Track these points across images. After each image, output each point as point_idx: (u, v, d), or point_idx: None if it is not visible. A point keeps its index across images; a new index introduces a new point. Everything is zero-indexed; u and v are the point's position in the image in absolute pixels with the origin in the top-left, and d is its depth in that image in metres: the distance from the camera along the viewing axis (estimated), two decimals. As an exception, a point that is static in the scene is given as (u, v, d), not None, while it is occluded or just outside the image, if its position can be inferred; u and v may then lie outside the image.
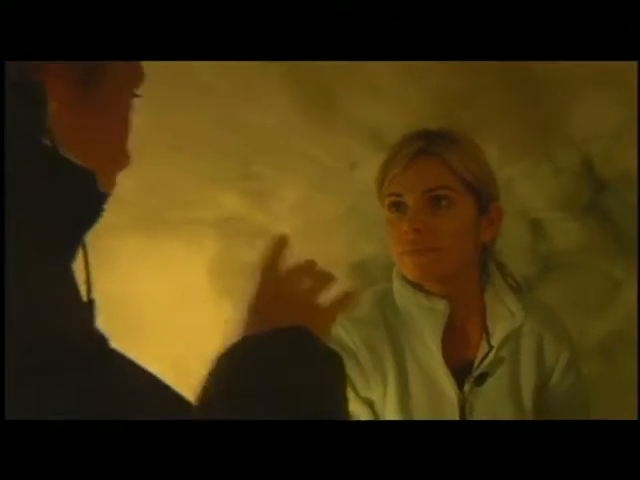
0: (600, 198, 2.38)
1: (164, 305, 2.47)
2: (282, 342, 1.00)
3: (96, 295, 2.44)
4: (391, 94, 1.87)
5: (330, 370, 1.01)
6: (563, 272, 2.70)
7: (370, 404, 1.84)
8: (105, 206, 0.87)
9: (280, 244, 1.21)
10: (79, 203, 0.84)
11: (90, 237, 2.29)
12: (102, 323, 2.33)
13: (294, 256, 1.23)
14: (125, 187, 2.16)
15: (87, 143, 0.90)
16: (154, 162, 2.11)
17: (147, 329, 2.46)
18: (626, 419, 2.42)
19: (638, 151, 1.73)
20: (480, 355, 1.82)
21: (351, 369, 1.80)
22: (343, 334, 1.82)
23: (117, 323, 2.47)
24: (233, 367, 0.96)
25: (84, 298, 0.89)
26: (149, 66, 1.79)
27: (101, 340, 0.86)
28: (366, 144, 2.00)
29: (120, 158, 1.01)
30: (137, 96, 1.02)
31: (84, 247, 0.87)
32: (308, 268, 1.23)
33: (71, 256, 0.86)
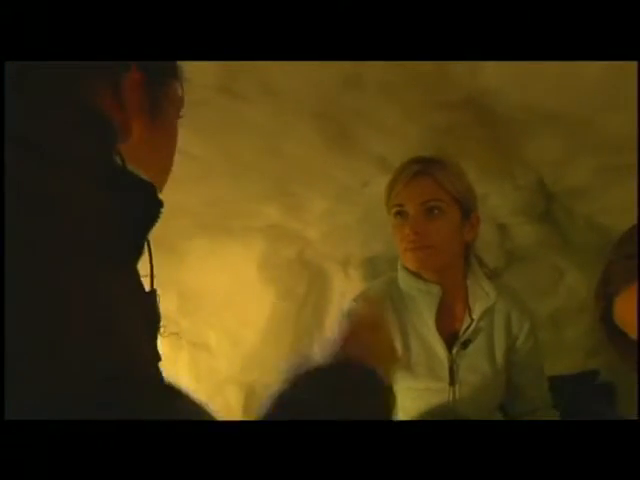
0: (550, 207, 2.35)
1: (223, 292, 2.46)
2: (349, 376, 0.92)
3: (171, 285, 2.38)
4: (394, 130, 1.83)
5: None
6: (522, 263, 2.70)
7: None
8: (162, 210, 0.78)
9: None
10: (143, 209, 0.76)
11: (168, 241, 2.21)
12: (175, 307, 2.28)
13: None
14: (193, 202, 2.14)
15: (149, 160, 0.84)
16: (214, 184, 2.08)
17: (209, 310, 2.46)
18: (567, 374, 2.41)
19: (638, 150, 1.67)
20: (464, 326, 1.84)
21: None
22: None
23: (187, 306, 2.45)
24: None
25: (147, 288, 0.81)
26: (216, 108, 1.75)
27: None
28: (375, 167, 1.98)
29: (169, 169, 0.96)
30: (180, 117, 0.97)
31: (148, 245, 0.79)
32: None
33: (137, 254, 0.76)
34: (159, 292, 0.84)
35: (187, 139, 1.82)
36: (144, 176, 0.78)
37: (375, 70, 1.63)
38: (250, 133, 1.86)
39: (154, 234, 2.18)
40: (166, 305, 2.40)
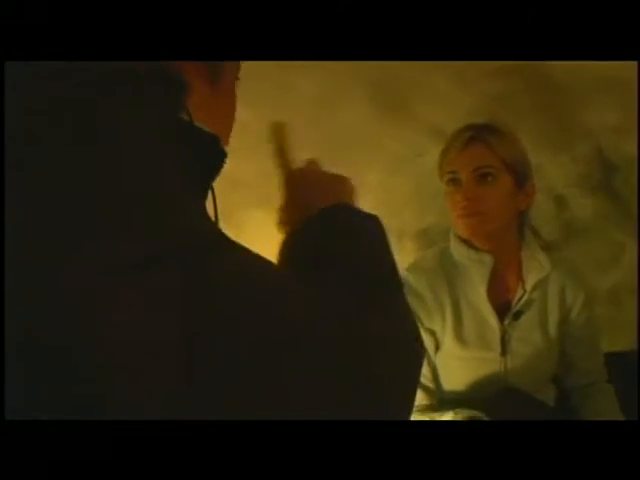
0: (607, 178, 2.28)
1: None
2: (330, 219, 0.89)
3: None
4: (446, 97, 1.80)
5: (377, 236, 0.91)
6: (582, 237, 2.62)
7: (432, 333, 1.83)
8: (226, 159, 0.82)
9: (277, 131, 1.10)
10: (209, 160, 0.80)
11: (226, 212, 2.24)
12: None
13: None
14: (249, 173, 2.15)
15: (210, 120, 0.84)
16: (268, 156, 2.07)
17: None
18: (626, 350, 2.35)
19: (638, 150, 1.63)
20: (517, 297, 1.81)
21: (418, 307, 1.83)
22: (412, 280, 1.83)
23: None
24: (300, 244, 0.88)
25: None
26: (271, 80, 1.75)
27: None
28: (429, 137, 1.94)
29: (231, 127, 0.96)
30: (237, 79, 0.95)
31: (212, 190, 0.82)
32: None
33: (203, 198, 0.79)
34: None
35: (242, 109, 1.83)
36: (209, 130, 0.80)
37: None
38: (302, 101, 1.85)
39: (212, 205, 2.20)
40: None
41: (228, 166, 2.21)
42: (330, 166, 2.14)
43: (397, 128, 1.96)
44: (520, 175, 1.75)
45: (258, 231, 2.50)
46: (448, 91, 1.82)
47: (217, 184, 2.26)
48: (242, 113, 1.86)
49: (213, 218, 0.82)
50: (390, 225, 2.39)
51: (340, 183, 1.04)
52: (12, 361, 0.53)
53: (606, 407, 1.89)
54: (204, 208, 0.75)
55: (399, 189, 2.32)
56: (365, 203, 2.36)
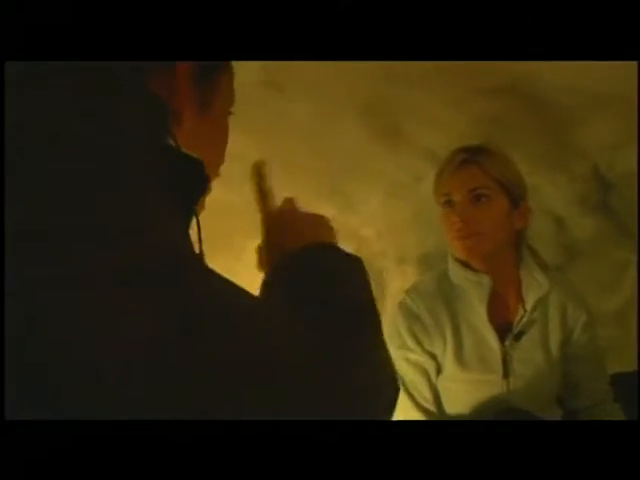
0: (604, 196, 2.28)
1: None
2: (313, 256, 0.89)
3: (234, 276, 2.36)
4: (440, 120, 1.81)
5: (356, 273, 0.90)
6: (584, 258, 2.61)
7: (434, 357, 1.83)
8: (210, 185, 0.82)
9: (257, 171, 1.11)
10: (191, 183, 0.78)
11: (225, 241, 2.23)
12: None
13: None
14: (245, 203, 2.15)
15: (199, 151, 0.85)
16: (273, 183, 2.09)
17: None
18: (634, 370, 2.33)
19: (638, 150, 1.63)
20: (517, 317, 1.80)
21: (418, 330, 1.83)
22: (411, 304, 1.83)
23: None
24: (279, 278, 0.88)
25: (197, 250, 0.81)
26: (266, 108, 1.77)
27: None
28: (426, 161, 1.96)
29: (221, 158, 0.97)
30: (231, 113, 0.96)
31: (196, 215, 0.81)
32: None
33: (187, 225, 0.79)
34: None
35: (236, 139, 1.86)
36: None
37: (414, 62, 1.61)
38: (297, 132, 1.87)
39: (212, 234, 2.20)
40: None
41: (226, 195, 2.24)
42: (330, 194, 2.17)
43: (393, 153, 1.97)
44: (514, 195, 1.76)
45: (256, 260, 2.52)
46: (442, 113, 1.83)
47: (215, 213, 2.27)
48: (237, 142, 1.89)
49: (197, 243, 0.84)
50: (391, 250, 2.39)
51: (319, 223, 1.04)
52: (12, 361, 0.53)
53: (613, 427, 1.88)
54: (186, 231, 0.76)
55: (399, 214, 2.33)
56: (366, 230, 2.39)
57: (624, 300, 2.61)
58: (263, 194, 1.11)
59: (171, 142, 0.77)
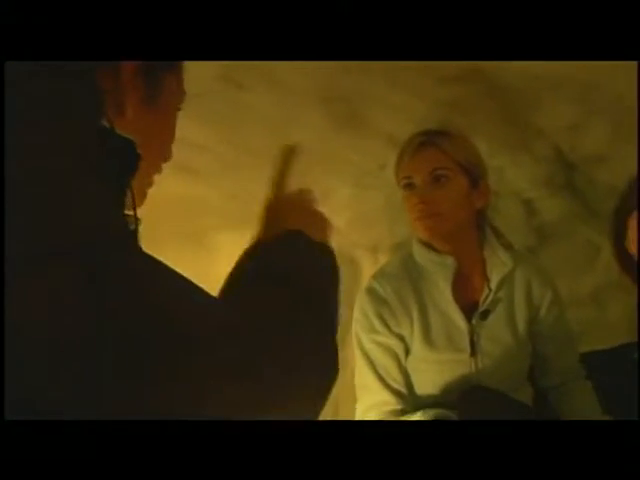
0: (571, 178, 2.30)
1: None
2: (283, 246, 0.93)
3: (202, 279, 2.39)
4: (402, 108, 1.83)
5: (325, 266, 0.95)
6: (556, 241, 2.62)
7: (401, 338, 1.84)
8: (140, 163, 0.83)
9: (289, 154, 1.15)
10: (126, 161, 0.81)
11: (196, 236, 2.24)
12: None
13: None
14: (216, 196, 2.18)
15: (143, 137, 0.87)
16: (233, 177, 2.11)
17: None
18: (611, 347, 2.35)
19: (638, 151, 1.66)
20: (483, 297, 1.82)
21: (385, 313, 1.84)
22: (377, 286, 1.85)
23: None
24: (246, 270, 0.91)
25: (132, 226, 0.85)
26: (229, 102, 1.78)
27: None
28: (389, 148, 1.97)
29: (166, 152, 1.00)
30: (179, 109, 1.00)
31: (131, 189, 0.83)
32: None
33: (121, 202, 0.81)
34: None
35: (201, 133, 1.88)
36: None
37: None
38: (259, 123, 1.88)
39: (185, 229, 2.21)
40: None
41: (198, 190, 2.24)
42: (299, 184, 2.18)
43: (357, 141, 1.99)
44: (474, 175, 1.78)
45: (230, 254, 2.53)
46: (402, 101, 1.85)
47: (188, 208, 2.28)
48: (201, 135, 1.92)
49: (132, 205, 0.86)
50: (363, 239, 2.40)
51: (313, 218, 1.08)
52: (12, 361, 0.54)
53: (584, 404, 1.90)
54: (119, 211, 0.78)
55: (368, 203, 2.34)
56: (337, 219, 2.40)
57: (598, 280, 2.62)
58: (278, 179, 1.13)
59: (105, 124, 0.79)
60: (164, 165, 1.01)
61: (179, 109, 1.00)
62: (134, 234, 0.84)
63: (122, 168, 0.81)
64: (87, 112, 0.77)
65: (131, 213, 0.86)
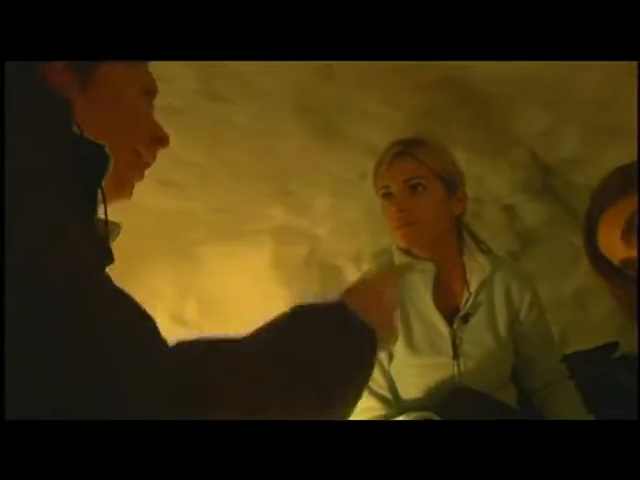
0: (549, 182, 2.33)
1: (240, 294, 2.50)
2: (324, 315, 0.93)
3: (190, 292, 2.42)
4: (378, 117, 1.87)
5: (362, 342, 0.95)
6: (538, 245, 2.65)
7: None
8: (110, 167, 0.84)
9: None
10: (95, 164, 0.82)
11: (183, 249, 2.25)
12: (195, 313, 2.32)
13: None
14: (201, 209, 2.21)
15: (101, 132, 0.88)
16: (217, 189, 2.14)
17: (228, 308, 2.50)
18: (595, 346, 2.37)
19: (638, 151, 1.69)
20: (463, 301, 1.86)
21: None
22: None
23: (206, 311, 2.50)
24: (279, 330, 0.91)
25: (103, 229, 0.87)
26: (206, 115, 1.81)
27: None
28: (368, 157, 2.01)
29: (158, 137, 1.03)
30: (152, 106, 1.03)
31: (102, 190, 0.85)
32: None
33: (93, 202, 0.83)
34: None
35: (182, 146, 1.90)
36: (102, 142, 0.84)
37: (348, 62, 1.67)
38: (239, 135, 1.91)
39: (171, 243, 2.22)
40: (187, 311, 2.44)
41: (180, 204, 2.26)
42: (277, 195, 2.21)
43: (335, 151, 2.02)
44: (450, 182, 1.82)
45: (216, 265, 2.58)
46: (378, 110, 1.88)
47: (173, 222, 2.30)
48: (183, 149, 1.94)
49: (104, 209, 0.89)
50: (346, 248, 2.42)
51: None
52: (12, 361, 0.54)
53: (568, 403, 1.93)
54: (90, 219, 0.81)
55: (349, 212, 2.37)
56: (318, 229, 2.43)
57: (581, 282, 2.64)
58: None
59: (75, 130, 0.81)
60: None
61: (152, 107, 1.03)
62: (106, 240, 0.87)
63: (96, 171, 0.83)
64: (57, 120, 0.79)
65: (103, 217, 0.89)
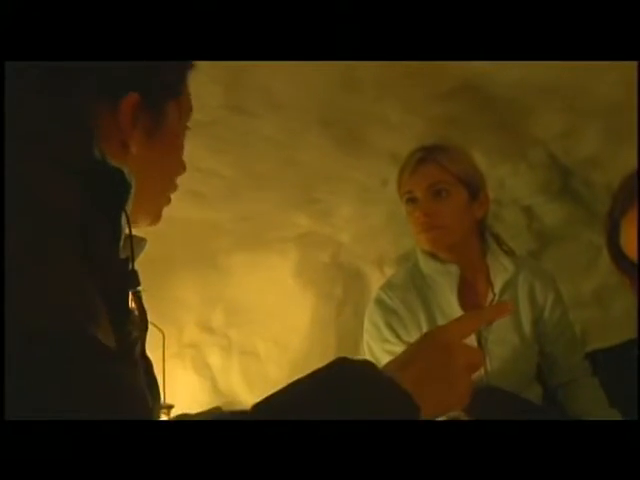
0: (568, 182, 2.37)
1: (265, 301, 2.56)
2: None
3: (217, 301, 2.48)
4: (399, 125, 1.93)
5: None
6: (558, 244, 2.68)
7: None
8: (132, 191, 0.83)
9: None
10: (117, 191, 0.82)
11: (209, 259, 2.32)
12: (222, 320, 2.38)
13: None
14: (227, 219, 2.27)
15: (150, 173, 0.92)
16: (242, 199, 2.20)
17: (255, 320, 2.56)
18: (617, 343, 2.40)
19: (638, 151, 1.72)
20: (488, 301, 1.89)
21: (395, 322, 1.92)
22: (386, 297, 1.93)
23: (233, 319, 2.56)
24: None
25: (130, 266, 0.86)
26: (233, 128, 1.88)
27: None
28: (389, 164, 2.06)
29: (173, 181, 1.02)
30: (188, 128, 1.01)
31: (128, 221, 0.85)
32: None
33: (117, 231, 0.83)
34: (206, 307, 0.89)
35: (209, 159, 1.97)
36: (140, 183, 0.85)
37: (369, 70, 1.73)
38: (264, 147, 1.97)
39: (197, 253, 2.28)
40: (214, 319, 2.50)
41: (206, 214, 2.34)
42: (302, 203, 2.27)
43: (357, 159, 2.07)
44: (472, 186, 1.86)
45: (242, 274, 2.64)
46: (399, 118, 1.93)
47: (199, 231, 2.37)
48: (210, 161, 2.01)
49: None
50: (369, 253, 2.48)
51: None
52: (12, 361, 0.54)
53: (591, 399, 1.97)
54: (114, 245, 0.81)
55: (372, 218, 2.42)
56: (342, 235, 2.48)
57: (600, 280, 2.65)
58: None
59: (97, 155, 0.81)
60: (174, 192, 1.02)
61: (188, 128, 1.01)
62: (131, 262, 0.87)
63: (118, 197, 0.82)
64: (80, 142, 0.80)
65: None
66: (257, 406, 0.73)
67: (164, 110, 0.92)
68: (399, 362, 0.86)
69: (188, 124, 1.01)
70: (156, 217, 1.00)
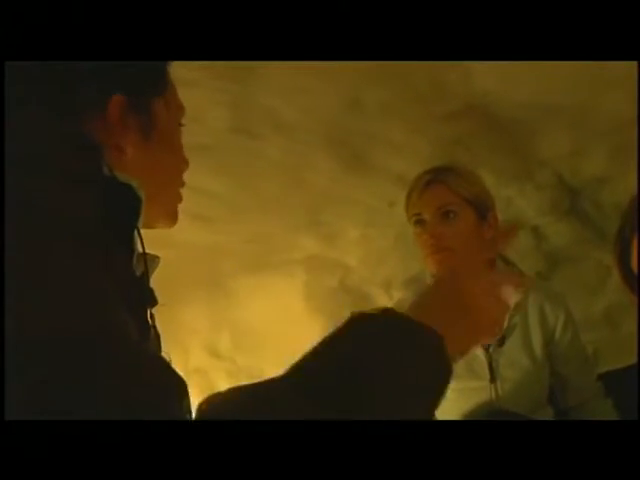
0: (575, 202, 2.37)
1: (273, 325, 2.55)
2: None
3: (223, 324, 2.47)
4: (404, 147, 1.93)
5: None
6: (567, 265, 2.66)
7: None
8: (142, 207, 0.83)
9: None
10: (127, 207, 0.82)
11: (215, 282, 2.31)
12: (229, 344, 2.36)
13: None
14: (233, 242, 2.26)
15: (150, 172, 0.90)
16: (248, 222, 2.20)
17: (261, 339, 2.55)
18: (629, 364, 2.38)
19: (638, 151, 1.72)
20: (497, 323, 1.85)
21: None
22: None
23: (241, 342, 2.55)
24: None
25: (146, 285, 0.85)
26: (238, 151, 1.88)
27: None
28: (396, 186, 2.06)
29: (177, 180, 1.01)
30: (182, 125, 1.00)
31: (140, 235, 0.84)
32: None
33: (128, 247, 0.82)
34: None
35: (214, 182, 1.97)
36: (147, 186, 0.85)
37: (373, 91, 1.74)
38: (270, 169, 1.97)
39: (203, 276, 2.28)
40: (221, 343, 2.48)
41: (212, 237, 2.33)
42: (308, 226, 2.26)
43: (364, 181, 2.07)
44: (481, 208, 1.86)
45: (249, 297, 2.63)
46: (405, 140, 1.93)
47: (205, 255, 2.36)
48: (215, 184, 2.01)
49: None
50: (376, 276, 2.47)
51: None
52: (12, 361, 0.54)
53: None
54: (128, 268, 0.79)
55: (379, 240, 2.42)
56: (349, 258, 2.47)
57: (610, 301, 2.65)
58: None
59: (106, 171, 0.81)
60: (181, 214, 1.00)
61: (182, 124, 1.00)
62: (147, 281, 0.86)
63: (127, 216, 0.81)
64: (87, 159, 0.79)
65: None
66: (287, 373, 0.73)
67: (152, 109, 0.92)
68: (415, 304, 0.89)
69: (182, 121, 1.01)
70: (173, 216, 1.00)
